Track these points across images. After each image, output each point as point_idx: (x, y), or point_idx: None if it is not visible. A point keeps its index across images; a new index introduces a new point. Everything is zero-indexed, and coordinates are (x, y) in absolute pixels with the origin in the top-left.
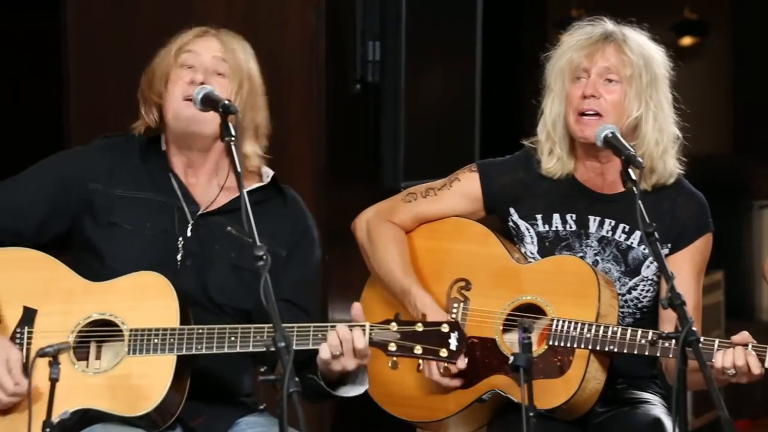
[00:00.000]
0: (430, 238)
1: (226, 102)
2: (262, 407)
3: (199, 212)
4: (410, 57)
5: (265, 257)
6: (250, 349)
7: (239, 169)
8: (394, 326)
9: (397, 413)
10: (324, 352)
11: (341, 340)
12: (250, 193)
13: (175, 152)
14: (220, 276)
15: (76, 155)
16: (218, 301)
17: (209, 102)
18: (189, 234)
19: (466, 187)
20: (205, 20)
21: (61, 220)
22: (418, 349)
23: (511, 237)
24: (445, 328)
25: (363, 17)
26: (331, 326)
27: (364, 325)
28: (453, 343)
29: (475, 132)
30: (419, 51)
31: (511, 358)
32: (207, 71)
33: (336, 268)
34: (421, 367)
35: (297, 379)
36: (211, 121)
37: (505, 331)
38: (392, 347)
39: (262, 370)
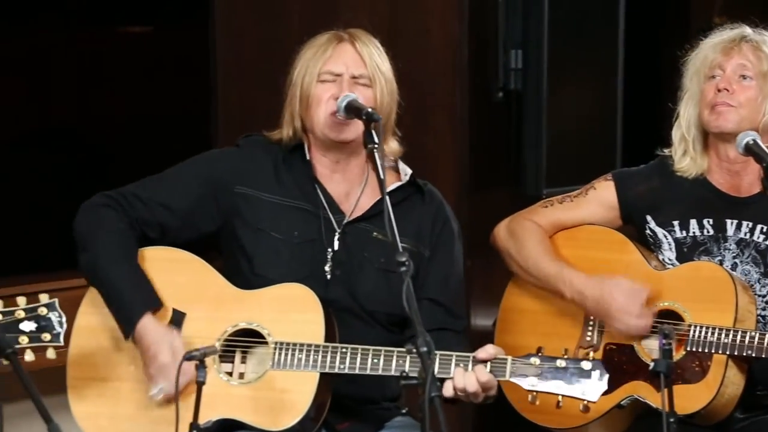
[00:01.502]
0: (567, 246)
1: (369, 110)
2: (404, 411)
3: (345, 221)
4: (552, 65)
5: (407, 263)
6: (392, 373)
7: (382, 176)
8: (536, 361)
9: (536, 419)
10: (447, 390)
11: (467, 390)
12: (391, 193)
13: (319, 160)
14: (371, 282)
15: (222, 156)
16: (369, 308)
17: (353, 110)
18: (336, 243)
19: (602, 195)
20: (350, 27)
21: (207, 219)
22: (557, 387)
23: (648, 245)
24: (586, 366)
25: (505, 26)
26: (473, 357)
27: (506, 359)
28: (593, 381)
29: (616, 140)
30: (561, 59)
31: (651, 364)
32: (349, 83)
33: (478, 274)
34: (561, 404)
35: (439, 383)
36: (355, 128)
37: (643, 337)
38: (532, 383)
39: (405, 374)
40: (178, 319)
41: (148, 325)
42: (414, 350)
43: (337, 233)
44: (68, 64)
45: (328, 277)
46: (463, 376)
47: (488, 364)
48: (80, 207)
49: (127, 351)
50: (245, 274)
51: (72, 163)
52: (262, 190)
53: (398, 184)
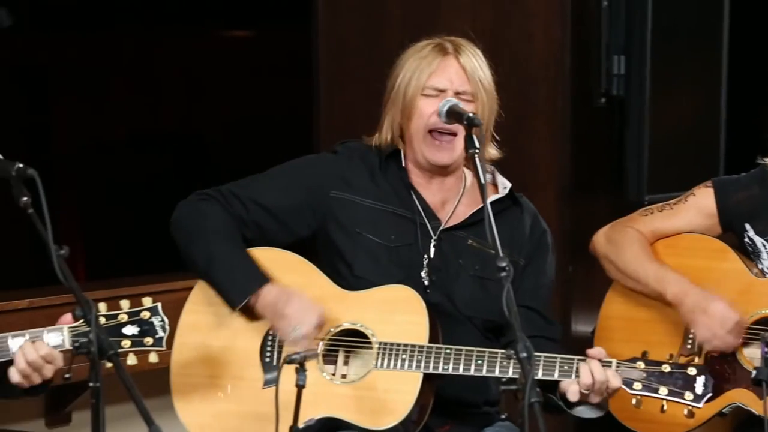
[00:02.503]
0: (667, 254)
1: (470, 114)
2: (503, 416)
3: (441, 227)
4: (655, 70)
5: (507, 268)
6: (496, 374)
7: (483, 181)
8: (641, 365)
9: (637, 428)
10: (573, 389)
11: (595, 379)
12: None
13: (415, 167)
14: (467, 289)
15: (318, 161)
16: (466, 314)
17: (454, 114)
18: (432, 249)
19: (701, 202)
20: (452, 33)
21: (302, 223)
22: (663, 391)
23: (747, 253)
24: (692, 371)
25: (608, 31)
26: (579, 359)
27: (610, 362)
28: (699, 387)
29: (719, 146)
30: (664, 64)
31: (753, 372)
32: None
33: (578, 279)
34: (665, 408)
35: (538, 389)
36: (451, 151)
37: (744, 344)
38: (637, 386)
39: (504, 379)
40: None
41: (272, 288)
42: (514, 355)
43: (432, 240)
44: (174, 67)
45: (426, 282)
46: (588, 367)
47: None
48: (178, 205)
49: (230, 349)
50: (345, 277)
51: (177, 166)
52: (358, 195)
53: (497, 196)
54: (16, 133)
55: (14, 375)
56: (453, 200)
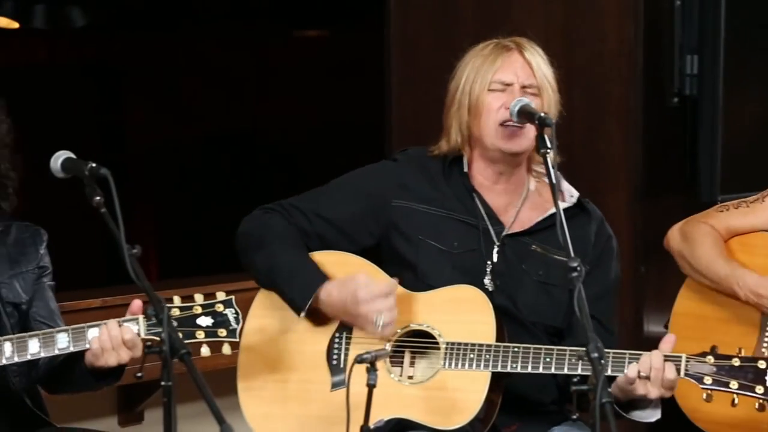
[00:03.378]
0: (741, 252)
1: (542, 114)
2: (574, 417)
3: (504, 233)
4: (728, 70)
5: (579, 268)
6: (565, 372)
7: (555, 180)
8: (710, 359)
9: (708, 429)
10: (632, 371)
11: (652, 367)
12: (555, 213)
13: (480, 172)
14: (531, 295)
15: (379, 170)
16: (530, 319)
17: (526, 114)
18: (495, 255)
19: None
20: (525, 33)
21: (365, 233)
22: (733, 384)
23: None
24: (762, 365)
25: (681, 31)
26: (647, 355)
27: (680, 357)
28: None
29: None
30: (738, 64)
31: None
32: (519, 93)
33: (651, 280)
34: (736, 402)
35: (609, 389)
36: (525, 139)
37: None
38: (708, 381)
39: (575, 380)
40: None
41: (334, 287)
42: (585, 355)
43: (496, 246)
44: (247, 67)
45: (489, 288)
46: (648, 355)
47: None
48: (243, 220)
49: (297, 352)
50: (409, 284)
51: (249, 165)
52: (419, 203)
53: (566, 205)
54: (91, 132)
55: (89, 351)
56: (516, 204)
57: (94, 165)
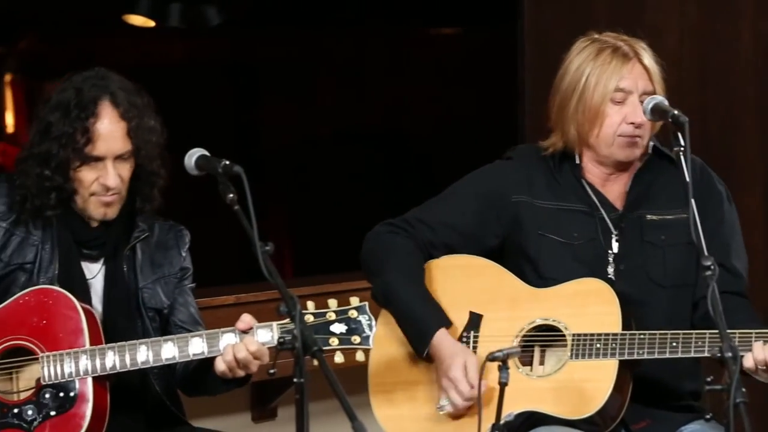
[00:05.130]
0: None
1: (676, 112)
2: (708, 416)
3: (618, 214)
4: None
5: (713, 267)
6: (692, 355)
7: (688, 179)
8: None
9: None
10: (748, 362)
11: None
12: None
13: (589, 170)
14: (659, 262)
15: (495, 169)
16: (666, 284)
17: (659, 112)
18: (615, 241)
19: None
20: (659, 31)
21: (490, 233)
22: None
23: None
24: None
25: None
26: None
27: None
28: None
29: None
30: None
31: None
32: (638, 103)
33: None
34: None
35: (744, 389)
36: (641, 144)
37: None
38: None
39: (709, 379)
40: (475, 321)
41: (444, 340)
42: (718, 354)
43: (614, 235)
44: (381, 64)
45: (613, 277)
46: (763, 349)
47: None
48: (366, 237)
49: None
50: (531, 279)
51: (382, 162)
52: (537, 197)
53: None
54: (227, 130)
55: (220, 365)
56: (626, 185)
57: (227, 162)
